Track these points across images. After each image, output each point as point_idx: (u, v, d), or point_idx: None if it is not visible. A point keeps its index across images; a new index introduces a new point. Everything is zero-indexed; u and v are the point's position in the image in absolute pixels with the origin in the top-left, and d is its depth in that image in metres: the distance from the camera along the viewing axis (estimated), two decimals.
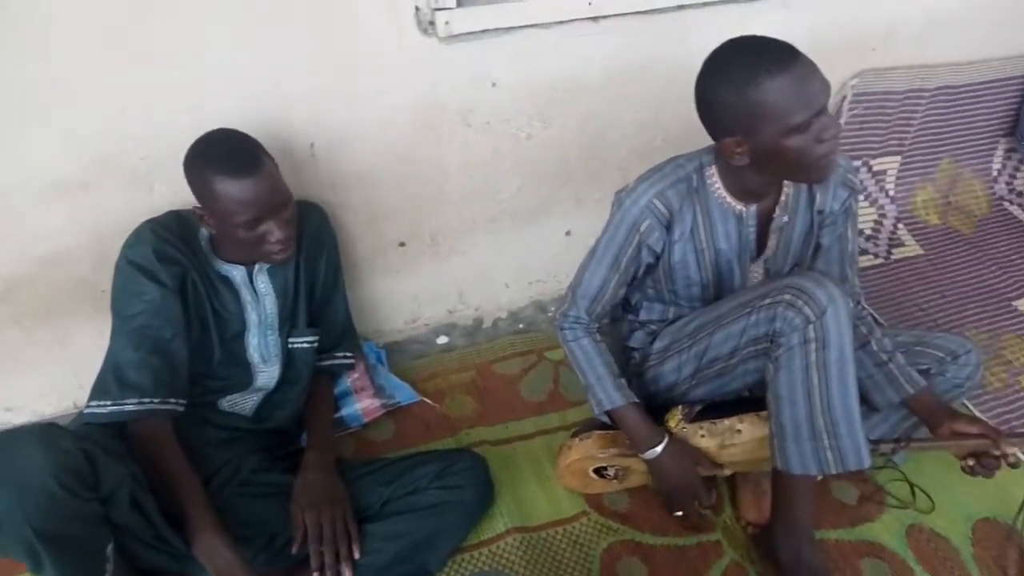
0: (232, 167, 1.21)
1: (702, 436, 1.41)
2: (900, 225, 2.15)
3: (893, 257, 2.08)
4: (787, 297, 1.20)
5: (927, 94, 2.07)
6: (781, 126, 1.11)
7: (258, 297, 1.40)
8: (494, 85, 1.64)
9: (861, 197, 2.14)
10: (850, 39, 1.95)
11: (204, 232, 1.36)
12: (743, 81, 1.11)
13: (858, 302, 1.48)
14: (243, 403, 1.46)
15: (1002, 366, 1.77)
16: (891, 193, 2.17)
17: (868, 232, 2.13)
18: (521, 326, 1.95)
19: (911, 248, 2.11)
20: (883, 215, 2.15)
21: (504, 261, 1.89)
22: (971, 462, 1.31)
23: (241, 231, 1.25)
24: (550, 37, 1.62)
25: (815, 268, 1.45)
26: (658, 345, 1.47)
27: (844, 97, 1.99)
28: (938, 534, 1.43)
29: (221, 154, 1.23)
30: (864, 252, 2.09)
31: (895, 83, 2.02)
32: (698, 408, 1.45)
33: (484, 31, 1.56)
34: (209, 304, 1.36)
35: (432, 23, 1.49)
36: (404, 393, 1.72)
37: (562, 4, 1.59)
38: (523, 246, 1.89)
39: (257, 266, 1.39)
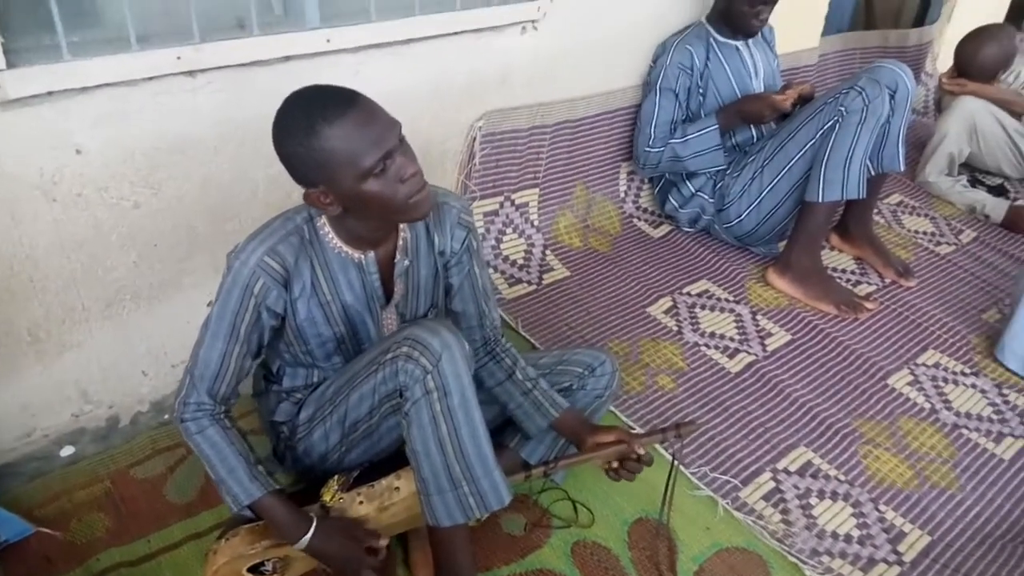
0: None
1: (360, 503, 1.32)
2: (548, 251, 2.29)
3: (544, 282, 2.21)
4: (405, 350, 1.18)
5: (549, 129, 2.24)
6: (354, 172, 1.10)
7: None
8: (79, 152, 1.43)
9: (510, 230, 2.25)
10: (472, 84, 2.05)
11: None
12: (305, 132, 1.09)
13: (498, 337, 1.51)
14: None
15: (641, 369, 1.94)
16: (536, 223, 2.31)
17: (520, 262, 2.24)
18: (167, 417, 1.73)
19: (559, 272, 2.26)
20: (532, 244, 2.28)
21: (134, 347, 1.66)
22: (615, 465, 1.39)
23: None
24: (140, 95, 1.47)
25: (452, 308, 1.46)
26: (304, 415, 1.38)
27: (474, 138, 2.07)
28: (600, 545, 1.50)
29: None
30: (519, 281, 2.20)
31: (519, 122, 2.16)
32: (356, 474, 1.37)
33: (51, 92, 1.36)
34: None
35: None
36: (12, 527, 1.41)
37: (148, 59, 1.45)
38: (156, 327, 1.67)
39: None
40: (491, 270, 2.18)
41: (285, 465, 1.45)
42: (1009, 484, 1.74)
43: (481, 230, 2.19)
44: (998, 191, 2.94)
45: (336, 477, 1.35)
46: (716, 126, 2.27)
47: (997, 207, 2.77)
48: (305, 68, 1.67)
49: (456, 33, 1.95)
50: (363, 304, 1.31)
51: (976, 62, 2.87)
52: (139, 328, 1.65)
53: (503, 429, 1.55)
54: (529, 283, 2.20)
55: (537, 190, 2.30)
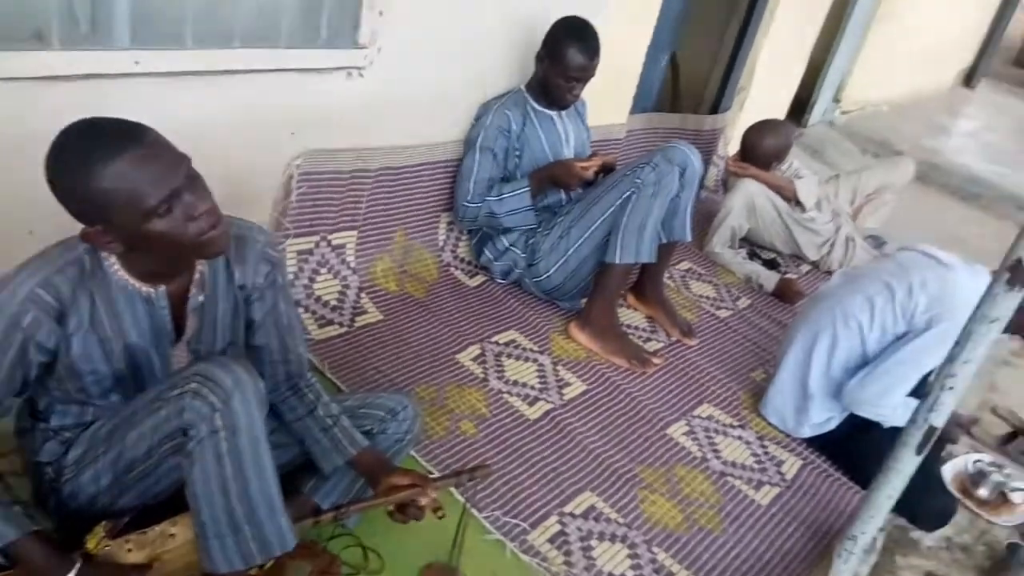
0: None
1: (129, 551, 1.25)
2: (363, 294, 2.30)
3: (356, 324, 2.21)
4: (193, 386, 1.14)
5: (371, 174, 2.27)
6: (136, 212, 1.06)
7: None
8: None
9: (324, 270, 2.24)
10: (293, 122, 2.04)
11: None
12: (81, 170, 1.04)
13: (303, 372, 1.50)
14: None
15: (446, 414, 1.99)
16: (352, 265, 2.31)
17: (333, 303, 2.23)
18: None
19: (373, 315, 2.27)
20: (347, 286, 2.28)
21: None
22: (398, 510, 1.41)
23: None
24: None
25: (254, 343, 1.43)
26: (73, 455, 1.28)
27: (291, 176, 2.06)
28: None
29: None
30: (330, 322, 2.18)
31: (340, 164, 2.17)
32: (125, 520, 1.29)
33: None
34: None
35: None
36: None
37: None
38: None
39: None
40: (301, 310, 2.15)
41: (48, 509, 1.33)
42: (764, 528, 1.96)
43: (293, 268, 2.16)
44: (771, 264, 3.35)
45: (103, 523, 1.26)
46: (528, 188, 2.42)
47: (769, 278, 3.14)
48: (110, 88, 1.60)
49: (278, 70, 1.95)
50: (149, 340, 1.25)
51: (757, 150, 3.28)
52: None
53: (298, 475, 1.52)
54: (340, 324, 2.19)
55: (356, 232, 2.32)
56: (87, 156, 1.03)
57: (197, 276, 1.28)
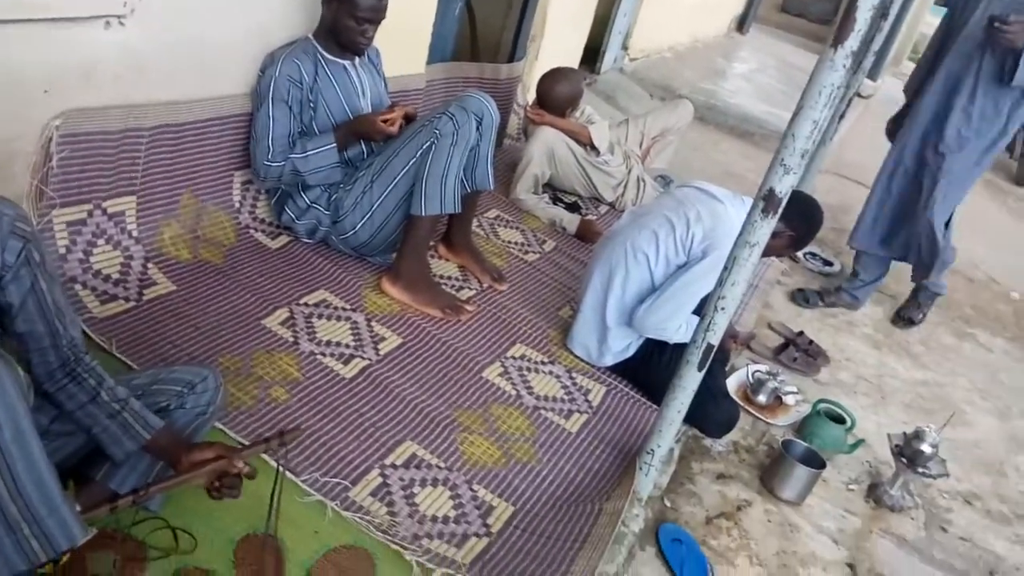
0: None
1: None
2: (150, 264, 2.13)
3: (145, 298, 2.05)
4: None
5: (146, 133, 2.09)
6: None
7: None
8: None
9: (102, 241, 2.04)
10: (48, 79, 1.82)
11: None
12: None
13: (79, 356, 1.37)
14: None
15: (254, 383, 1.91)
16: (134, 234, 2.13)
17: (116, 277, 2.04)
18: None
19: (163, 286, 2.12)
20: (130, 257, 2.10)
21: None
22: (217, 484, 1.35)
23: None
24: None
25: (16, 330, 1.28)
26: None
27: (50, 138, 1.85)
28: (203, 569, 1.44)
29: None
30: (114, 298, 2.00)
31: (108, 123, 1.97)
32: None
33: None
34: None
35: None
36: None
37: None
38: None
39: None
40: (79, 286, 1.95)
41: None
42: (575, 453, 2.09)
43: (65, 242, 1.95)
44: (573, 208, 3.51)
45: None
46: (334, 144, 2.34)
47: (572, 221, 3.29)
48: None
49: (23, 20, 1.73)
50: None
51: (551, 98, 3.39)
52: None
53: (89, 460, 1.41)
54: (127, 300, 2.02)
55: (135, 198, 2.13)
56: None
57: None
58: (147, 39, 2.01)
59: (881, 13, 3.56)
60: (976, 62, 2.97)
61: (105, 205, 2.05)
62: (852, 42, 1.45)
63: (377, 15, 2.29)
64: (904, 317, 3.57)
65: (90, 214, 2.01)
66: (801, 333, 3.06)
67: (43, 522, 1.07)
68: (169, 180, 2.23)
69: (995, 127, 3.04)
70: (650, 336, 2.30)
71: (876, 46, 4.07)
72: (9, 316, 1.27)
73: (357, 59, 2.44)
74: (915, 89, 3.30)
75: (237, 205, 2.49)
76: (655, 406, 2.34)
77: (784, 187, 1.60)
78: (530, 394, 2.24)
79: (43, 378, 1.32)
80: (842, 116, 3.99)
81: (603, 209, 3.63)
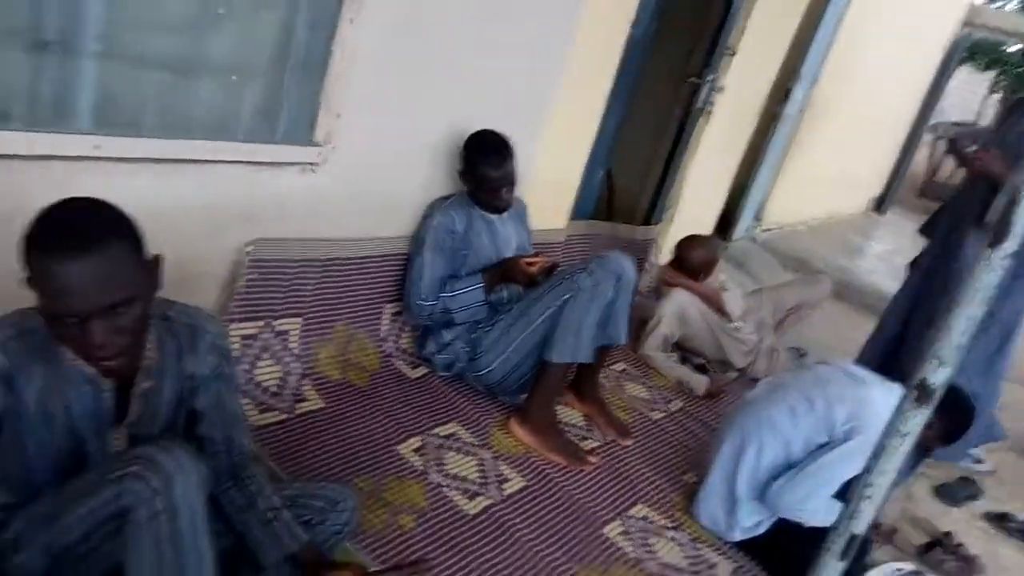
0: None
1: None
2: (305, 381, 2.29)
3: (297, 412, 2.19)
4: (134, 469, 1.13)
5: (319, 264, 2.31)
6: (47, 311, 1.10)
7: None
8: None
9: (267, 355, 2.23)
10: (246, 211, 2.09)
11: None
12: (29, 242, 1.08)
13: (246, 463, 1.48)
14: None
15: (384, 507, 1.96)
16: (295, 351, 2.31)
17: (273, 389, 2.21)
18: None
19: (314, 402, 2.26)
20: (288, 372, 2.27)
21: None
22: None
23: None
24: None
25: (198, 433, 1.42)
26: (6, 536, 1.22)
27: (242, 261, 2.08)
28: None
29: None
30: (271, 408, 2.15)
31: (289, 252, 2.21)
32: None
33: None
34: None
35: None
36: None
37: None
38: None
39: None
40: (242, 395, 2.12)
41: None
42: None
43: (236, 353, 2.14)
44: (701, 369, 3.47)
45: None
46: (482, 284, 2.51)
47: (700, 382, 3.26)
48: (69, 171, 1.61)
49: (234, 162, 2.01)
50: (89, 421, 1.23)
51: (687, 261, 3.47)
52: None
53: (235, 562, 1.48)
54: (281, 411, 2.16)
55: (300, 319, 2.33)
56: (40, 237, 1.06)
57: (146, 362, 1.28)
58: (332, 184, 2.28)
59: None
60: None
61: (275, 324, 2.25)
62: (1011, 244, 1.44)
63: (504, 181, 2.49)
64: None
65: (261, 330, 2.22)
66: (948, 534, 2.80)
67: None
68: (330, 306, 2.44)
69: None
70: (784, 515, 2.19)
71: None
72: (194, 420, 1.41)
73: (504, 213, 2.64)
74: None
75: (383, 335, 2.65)
76: None
77: (938, 379, 1.55)
78: (653, 559, 2.15)
79: (212, 479, 1.43)
80: None
81: (732, 375, 3.57)
